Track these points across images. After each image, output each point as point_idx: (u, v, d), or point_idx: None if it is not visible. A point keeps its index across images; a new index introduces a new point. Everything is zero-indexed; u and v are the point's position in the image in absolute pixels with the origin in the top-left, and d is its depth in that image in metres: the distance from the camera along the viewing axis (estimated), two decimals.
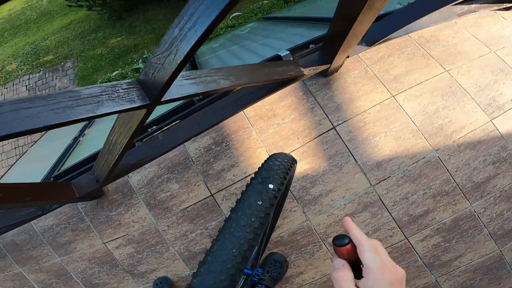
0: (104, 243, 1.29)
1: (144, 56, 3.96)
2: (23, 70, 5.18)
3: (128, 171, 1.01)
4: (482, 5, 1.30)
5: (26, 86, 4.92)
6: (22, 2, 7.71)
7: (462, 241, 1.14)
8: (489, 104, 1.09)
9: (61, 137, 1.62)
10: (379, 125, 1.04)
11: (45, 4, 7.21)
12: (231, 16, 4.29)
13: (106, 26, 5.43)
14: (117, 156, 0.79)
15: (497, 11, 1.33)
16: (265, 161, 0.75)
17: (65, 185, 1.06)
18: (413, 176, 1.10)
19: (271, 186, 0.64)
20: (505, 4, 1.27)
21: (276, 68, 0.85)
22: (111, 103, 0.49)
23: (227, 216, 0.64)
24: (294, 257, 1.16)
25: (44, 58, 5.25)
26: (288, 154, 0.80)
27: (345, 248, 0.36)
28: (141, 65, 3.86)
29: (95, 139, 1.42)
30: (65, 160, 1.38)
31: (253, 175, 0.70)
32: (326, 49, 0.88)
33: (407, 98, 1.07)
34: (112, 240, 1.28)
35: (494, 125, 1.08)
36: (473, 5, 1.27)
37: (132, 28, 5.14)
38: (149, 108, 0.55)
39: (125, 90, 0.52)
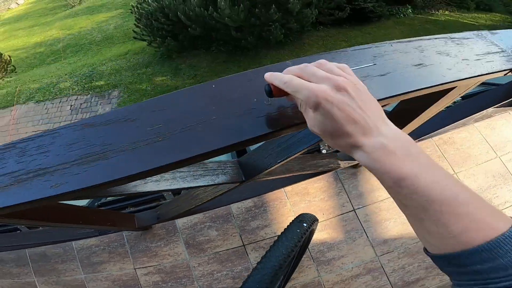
0: (134, 268, 1.46)
1: None
2: (74, 90, 5.42)
3: (183, 216, 1.21)
4: (498, 109, 1.51)
5: (71, 106, 5.12)
6: (94, 23, 8.18)
7: None
8: None
9: None
10: (392, 212, 1.28)
11: (111, 28, 7.70)
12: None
13: (156, 63, 5.76)
14: (192, 207, 1.00)
15: (511, 112, 1.51)
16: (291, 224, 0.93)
17: (130, 216, 1.25)
18: (412, 252, 1.33)
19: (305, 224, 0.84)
20: None
21: (322, 159, 1.08)
22: (223, 177, 0.73)
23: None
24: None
25: (96, 83, 5.52)
26: (312, 215, 0.98)
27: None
28: None
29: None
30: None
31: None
32: None
33: None
34: (143, 267, 1.45)
35: None
36: (490, 110, 1.47)
37: (178, 70, 5.44)
38: (242, 183, 0.78)
39: (231, 168, 0.76)
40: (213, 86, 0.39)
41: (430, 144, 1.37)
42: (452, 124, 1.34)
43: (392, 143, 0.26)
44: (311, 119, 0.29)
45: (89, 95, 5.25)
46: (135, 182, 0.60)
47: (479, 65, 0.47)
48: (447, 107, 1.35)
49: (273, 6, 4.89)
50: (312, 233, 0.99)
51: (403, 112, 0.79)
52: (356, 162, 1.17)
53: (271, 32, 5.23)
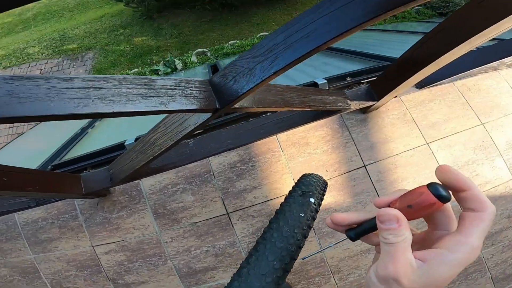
0: (92, 246, 1.18)
1: (167, 59, 3.92)
2: (43, 55, 5.11)
3: (147, 175, 0.93)
4: None
5: (41, 70, 4.82)
6: None
7: (465, 283, 1.14)
8: None
9: (65, 124, 1.50)
10: (410, 170, 1.03)
11: None
12: (258, 35, 4.35)
13: (135, 24, 5.49)
14: (150, 158, 0.72)
15: None
16: (301, 177, 0.69)
17: (73, 178, 0.95)
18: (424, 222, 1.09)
19: (312, 199, 0.60)
20: None
21: (328, 96, 0.82)
22: (183, 100, 0.45)
23: (267, 226, 0.58)
24: (300, 287, 1.10)
25: (68, 46, 5.18)
26: (322, 177, 0.75)
27: (442, 203, 0.23)
28: (161, 68, 3.81)
29: (106, 134, 1.33)
30: (69, 150, 1.27)
31: (291, 191, 0.64)
32: (378, 86, 0.87)
33: (440, 147, 1.07)
34: (103, 244, 1.17)
35: None
36: None
37: (159, 30, 5.20)
38: (216, 113, 0.51)
39: (198, 89, 0.48)
40: None
41: (453, 90, 1.13)
42: (478, 68, 1.12)
43: None
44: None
45: (61, 58, 4.92)
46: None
47: None
48: (480, 48, 1.16)
49: None
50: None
51: (420, 55, 0.61)
52: (369, 104, 0.91)
53: None
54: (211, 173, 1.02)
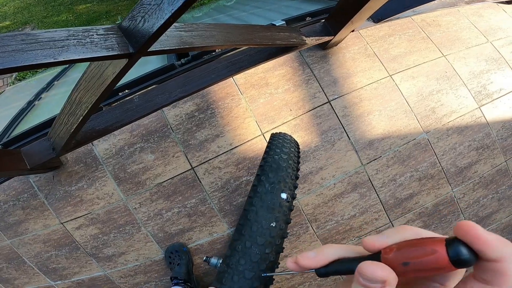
0: (62, 223, 1.12)
1: (118, 22, 3.65)
2: None
3: (94, 138, 0.85)
4: None
5: None
6: None
7: (440, 227, 1.16)
8: (479, 92, 1.10)
9: (15, 101, 1.38)
10: (375, 103, 1.00)
11: None
12: None
13: None
14: (80, 118, 0.65)
15: (499, 3, 1.36)
16: (267, 151, 0.59)
17: (13, 153, 0.87)
18: (403, 158, 1.09)
19: (284, 195, 0.50)
20: None
21: (279, 32, 0.75)
22: (80, 49, 0.40)
23: (231, 242, 0.48)
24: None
25: (1, 24, 4.70)
26: (292, 137, 0.65)
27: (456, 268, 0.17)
28: None
29: (54, 104, 1.22)
30: (16, 126, 1.17)
31: (257, 174, 0.54)
32: (333, 20, 0.81)
33: (403, 78, 1.04)
34: (72, 220, 1.11)
35: (482, 112, 1.10)
36: None
37: None
38: (131, 59, 0.45)
39: (102, 36, 0.43)
40: None
41: (412, 25, 1.09)
42: (437, 2, 1.08)
43: None
44: None
45: None
46: None
47: None
48: None
49: None
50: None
51: None
52: (326, 39, 0.86)
53: None
54: (169, 126, 0.96)
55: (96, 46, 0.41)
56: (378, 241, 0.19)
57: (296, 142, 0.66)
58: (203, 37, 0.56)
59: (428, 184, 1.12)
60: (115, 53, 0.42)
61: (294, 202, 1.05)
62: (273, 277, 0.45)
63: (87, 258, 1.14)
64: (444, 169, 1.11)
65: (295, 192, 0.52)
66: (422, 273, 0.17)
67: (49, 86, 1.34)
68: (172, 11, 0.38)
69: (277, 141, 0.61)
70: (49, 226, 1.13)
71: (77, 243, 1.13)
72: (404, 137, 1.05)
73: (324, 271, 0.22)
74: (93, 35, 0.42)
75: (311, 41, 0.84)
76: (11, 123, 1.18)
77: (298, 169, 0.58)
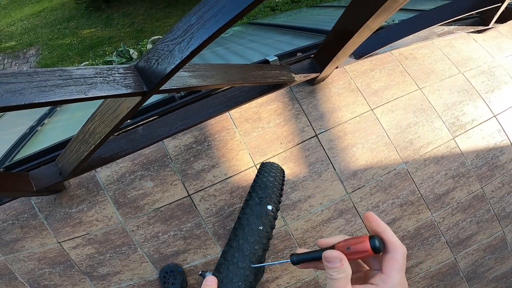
0: (59, 242, 1.16)
1: (120, 49, 3.72)
2: None
3: (99, 165, 0.92)
4: (459, 27, 1.44)
5: None
6: None
7: (423, 248, 1.24)
8: (453, 123, 1.21)
9: (15, 125, 1.43)
10: (358, 136, 1.09)
11: None
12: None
13: (81, 17, 5.11)
14: (92, 147, 0.72)
15: (470, 34, 1.48)
16: (258, 175, 0.72)
17: (21, 176, 0.93)
18: (384, 186, 1.17)
19: (270, 207, 0.62)
20: (479, 27, 1.43)
21: (270, 71, 0.84)
22: (105, 87, 0.47)
23: (227, 244, 0.59)
24: (270, 261, 1.15)
25: (6, 44, 4.80)
26: (278, 165, 0.78)
27: (374, 253, 0.30)
28: (114, 58, 3.61)
29: (56, 130, 1.28)
30: (19, 151, 1.22)
31: (249, 192, 0.67)
32: (319, 58, 0.91)
33: (384, 112, 1.14)
34: (69, 240, 1.15)
35: (456, 143, 1.20)
36: (452, 27, 1.40)
37: (109, 21, 4.87)
38: (145, 96, 0.53)
39: (122, 75, 0.50)
40: None
41: (391, 59, 1.20)
42: (412, 37, 1.20)
43: None
44: None
45: (0, 56, 4.61)
46: None
47: None
48: (406, 19, 1.24)
49: None
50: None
51: (349, 21, 0.61)
52: (313, 76, 0.95)
53: None
54: (168, 156, 1.03)
55: (117, 84, 0.47)
56: (328, 240, 0.33)
57: (282, 168, 0.78)
58: (204, 77, 0.64)
59: (409, 210, 1.20)
60: (132, 91, 0.48)
61: (284, 227, 1.12)
62: (263, 269, 0.55)
63: (81, 276, 1.17)
64: (423, 196, 1.20)
65: (279, 206, 0.65)
66: (358, 255, 0.30)
67: (51, 112, 1.39)
68: (182, 58, 0.45)
69: (266, 167, 0.73)
70: (46, 244, 1.16)
71: (72, 261, 1.17)
72: (385, 168, 1.14)
73: (296, 259, 0.33)
74: (115, 73, 0.48)
75: (299, 78, 0.93)
76: (13, 147, 1.23)
77: (282, 189, 0.70)
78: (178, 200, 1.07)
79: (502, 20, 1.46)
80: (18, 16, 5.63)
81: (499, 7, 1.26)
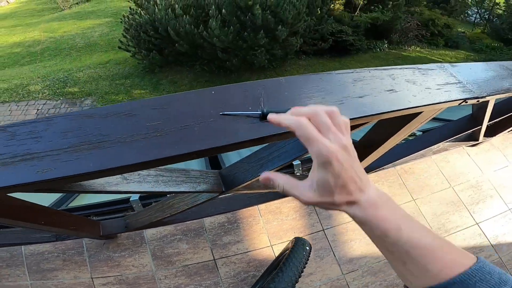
0: (92, 278, 1.35)
1: None
2: (44, 94, 5.13)
3: (152, 226, 1.16)
4: (453, 143, 1.68)
5: (37, 110, 4.86)
6: (79, 28, 7.80)
7: None
8: (439, 228, 1.47)
9: None
10: (357, 233, 1.35)
11: (96, 36, 7.39)
12: None
13: (137, 76, 5.62)
14: (166, 216, 0.97)
15: (464, 147, 1.72)
16: (295, 252, 0.96)
17: (94, 223, 1.16)
18: (374, 271, 1.41)
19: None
20: (471, 142, 1.65)
21: None
22: (204, 185, 0.74)
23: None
24: None
25: (69, 89, 5.25)
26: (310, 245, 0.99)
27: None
28: None
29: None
30: (76, 196, 1.47)
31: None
32: None
33: None
34: (102, 277, 1.35)
35: None
36: (447, 143, 1.65)
37: (158, 85, 5.31)
38: (222, 194, 0.79)
39: (212, 178, 0.76)
40: (213, 92, 0.42)
41: (393, 173, 1.48)
42: (413, 155, 1.47)
43: (379, 199, 0.31)
44: (315, 173, 0.30)
45: (59, 101, 5.00)
46: (117, 180, 0.57)
47: (439, 93, 0.54)
48: (407, 139, 1.50)
49: (262, 31, 5.01)
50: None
51: (370, 140, 0.85)
52: None
53: (256, 57, 5.38)
54: (204, 228, 1.27)
55: (210, 184, 0.73)
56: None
57: (310, 247, 0.99)
58: (258, 186, 0.90)
59: None
60: (215, 190, 0.73)
61: None
62: None
63: None
64: None
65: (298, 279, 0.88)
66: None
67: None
68: (253, 177, 0.71)
69: (299, 248, 0.97)
70: (79, 278, 1.35)
71: None
72: (377, 258, 1.39)
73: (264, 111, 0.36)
74: (209, 176, 0.74)
75: None
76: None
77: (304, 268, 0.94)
78: (204, 261, 1.30)
79: (491, 133, 1.70)
80: (87, 62, 6.07)
81: (480, 128, 1.50)
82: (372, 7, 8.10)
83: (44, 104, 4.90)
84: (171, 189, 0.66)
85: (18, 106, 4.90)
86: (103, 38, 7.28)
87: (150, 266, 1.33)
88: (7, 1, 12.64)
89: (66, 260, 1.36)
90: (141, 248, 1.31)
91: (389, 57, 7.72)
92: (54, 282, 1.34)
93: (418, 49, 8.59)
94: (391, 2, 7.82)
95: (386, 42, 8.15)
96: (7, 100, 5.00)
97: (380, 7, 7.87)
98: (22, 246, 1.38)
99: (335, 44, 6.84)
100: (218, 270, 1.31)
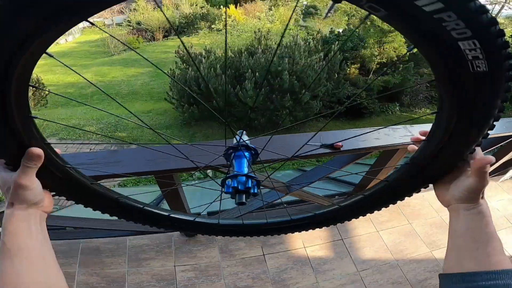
0: (174, 266, 1.89)
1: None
2: (98, 136, 5.81)
3: None
4: None
5: (90, 149, 5.38)
6: (125, 75, 8.74)
7: None
8: (430, 243, 1.91)
9: None
10: (368, 242, 1.83)
11: (138, 84, 8.19)
12: None
13: (175, 127, 6.18)
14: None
15: None
16: None
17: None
18: (381, 271, 1.85)
19: None
20: None
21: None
22: None
23: None
24: None
25: (119, 133, 5.89)
26: None
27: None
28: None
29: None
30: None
31: None
32: None
33: (384, 232, 1.89)
34: (182, 265, 1.90)
35: (434, 255, 1.88)
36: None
37: (192, 138, 5.86)
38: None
39: None
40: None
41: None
42: None
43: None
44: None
45: (110, 144, 5.54)
46: None
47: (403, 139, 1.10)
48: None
49: (288, 94, 5.56)
50: None
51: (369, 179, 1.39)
52: None
53: (280, 117, 6.04)
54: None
55: None
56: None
57: None
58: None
59: (398, 287, 1.86)
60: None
61: (316, 284, 1.82)
62: None
63: None
64: None
65: None
66: None
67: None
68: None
69: None
70: (165, 265, 1.88)
71: (174, 280, 1.88)
72: (384, 261, 1.84)
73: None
74: None
75: None
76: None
77: None
78: (256, 255, 1.84)
79: None
80: (132, 110, 6.90)
81: None
82: (385, 69, 8.51)
83: (96, 145, 5.48)
84: None
85: (73, 144, 5.50)
86: (144, 88, 8.00)
87: (217, 258, 1.88)
88: (66, 39, 14.01)
89: (158, 251, 1.94)
90: (212, 244, 1.88)
91: (400, 119, 8.08)
92: (145, 269, 1.86)
93: (428, 111, 8.74)
94: (401, 66, 8.18)
95: (397, 104, 8.42)
96: (65, 137, 5.66)
97: (392, 69, 8.27)
98: (128, 238, 1.98)
99: (350, 107, 7.37)
100: (266, 262, 1.83)
